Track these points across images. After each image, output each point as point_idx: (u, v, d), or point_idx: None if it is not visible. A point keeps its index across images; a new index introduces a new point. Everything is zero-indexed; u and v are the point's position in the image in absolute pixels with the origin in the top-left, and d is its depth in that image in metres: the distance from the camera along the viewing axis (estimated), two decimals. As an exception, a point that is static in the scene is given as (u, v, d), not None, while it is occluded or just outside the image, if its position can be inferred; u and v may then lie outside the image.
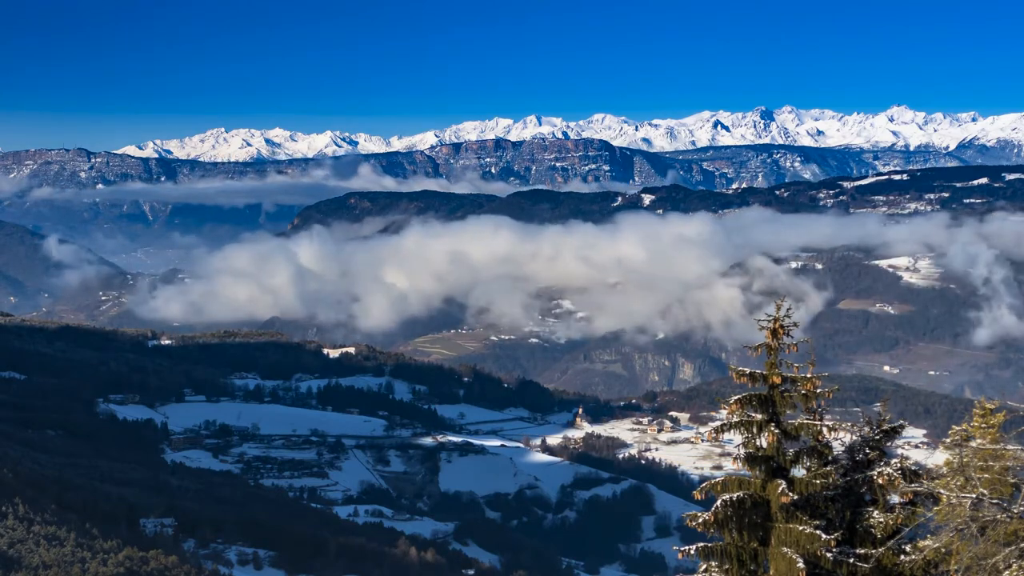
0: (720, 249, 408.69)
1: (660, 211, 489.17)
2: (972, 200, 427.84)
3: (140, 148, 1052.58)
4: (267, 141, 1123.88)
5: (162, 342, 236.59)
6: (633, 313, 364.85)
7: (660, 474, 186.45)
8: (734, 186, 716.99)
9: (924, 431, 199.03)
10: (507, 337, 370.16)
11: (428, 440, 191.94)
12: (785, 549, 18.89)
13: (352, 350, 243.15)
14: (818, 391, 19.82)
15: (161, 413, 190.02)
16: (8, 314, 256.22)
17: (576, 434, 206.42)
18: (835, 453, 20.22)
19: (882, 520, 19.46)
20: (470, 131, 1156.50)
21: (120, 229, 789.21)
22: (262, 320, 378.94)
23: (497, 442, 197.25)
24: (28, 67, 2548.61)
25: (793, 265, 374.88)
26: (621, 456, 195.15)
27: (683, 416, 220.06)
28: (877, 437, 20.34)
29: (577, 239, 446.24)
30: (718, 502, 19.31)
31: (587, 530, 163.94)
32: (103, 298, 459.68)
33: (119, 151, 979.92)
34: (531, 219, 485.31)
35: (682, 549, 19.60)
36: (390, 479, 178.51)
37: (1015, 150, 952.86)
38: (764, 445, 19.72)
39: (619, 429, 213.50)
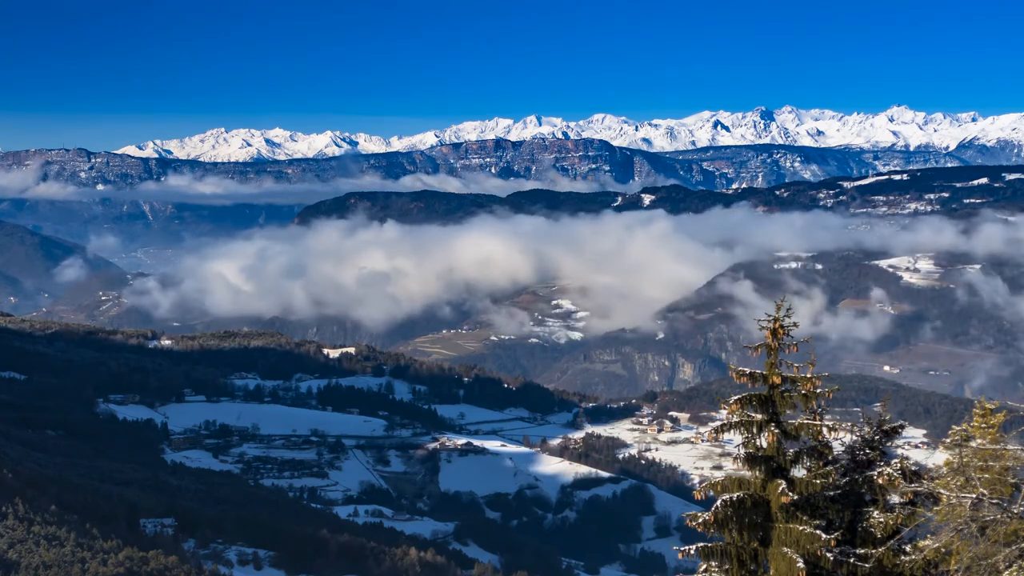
0: (720, 249, 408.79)
1: (660, 211, 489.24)
2: (972, 200, 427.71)
3: (140, 148, 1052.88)
4: (267, 141, 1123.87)
5: (162, 342, 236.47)
6: (633, 313, 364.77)
7: (660, 474, 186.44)
8: (734, 186, 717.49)
9: (924, 431, 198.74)
10: (507, 337, 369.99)
11: (428, 440, 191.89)
12: (785, 549, 18.89)
13: (352, 350, 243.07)
14: (818, 391, 19.83)
15: (161, 413, 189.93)
16: (8, 314, 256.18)
17: (576, 434, 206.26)
18: (835, 453, 20.22)
19: (882, 520, 19.46)
20: (470, 131, 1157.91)
21: (120, 229, 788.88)
22: (262, 320, 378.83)
23: (497, 442, 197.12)
24: (29, 67, 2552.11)
25: (793, 265, 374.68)
26: (621, 456, 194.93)
27: (683, 416, 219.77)
28: (877, 437, 20.35)
29: (577, 239, 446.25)
30: (718, 502, 19.31)
31: (587, 530, 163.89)
32: (103, 298, 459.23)
33: (119, 151, 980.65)
34: (531, 219, 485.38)
35: (682, 549, 19.61)
36: (390, 479, 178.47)
37: (1015, 150, 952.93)
38: (764, 445, 19.72)
39: (619, 429, 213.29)
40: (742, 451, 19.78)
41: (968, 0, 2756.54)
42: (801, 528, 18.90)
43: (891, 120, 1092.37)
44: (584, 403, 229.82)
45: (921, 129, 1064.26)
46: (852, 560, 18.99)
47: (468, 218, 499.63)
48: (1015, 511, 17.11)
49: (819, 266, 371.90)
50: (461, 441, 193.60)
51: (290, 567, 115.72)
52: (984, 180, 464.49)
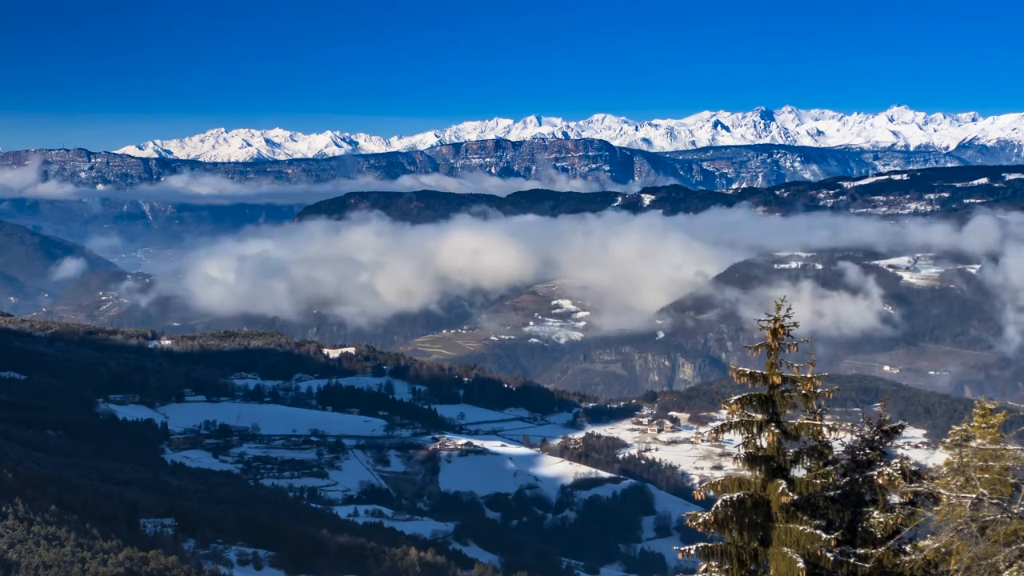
0: (720, 249, 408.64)
1: (660, 211, 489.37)
2: (972, 200, 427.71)
3: (140, 148, 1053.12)
4: (267, 141, 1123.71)
5: (162, 342, 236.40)
6: (633, 313, 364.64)
7: (660, 474, 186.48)
8: (734, 186, 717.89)
9: (924, 431, 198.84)
10: (507, 337, 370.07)
11: (428, 440, 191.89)
12: (785, 549, 18.90)
13: (352, 350, 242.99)
14: (818, 391, 19.83)
15: (161, 413, 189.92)
16: (8, 314, 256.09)
17: (576, 434, 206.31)
18: (835, 453, 20.22)
19: (882, 520, 19.46)
20: (470, 131, 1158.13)
21: (120, 229, 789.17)
22: (262, 320, 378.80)
23: (497, 442, 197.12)
24: (29, 67, 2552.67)
25: (793, 265, 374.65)
26: (621, 456, 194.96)
27: (683, 416, 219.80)
28: (877, 437, 20.35)
29: (577, 239, 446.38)
30: (718, 502, 19.31)
31: (587, 530, 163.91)
32: (103, 298, 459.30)
33: (119, 151, 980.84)
34: (531, 219, 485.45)
35: (682, 549, 19.61)
36: (390, 479, 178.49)
37: (1015, 150, 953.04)
38: (764, 445, 19.72)
39: (619, 429, 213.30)
40: (742, 451, 19.78)
41: (968, 0, 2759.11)
42: (801, 528, 18.90)
43: (891, 120, 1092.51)
44: (584, 403, 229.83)
45: (921, 129, 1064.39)
46: (852, 560, 19.00)
47: (468, 218, 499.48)
48: (1015, 511, 17.11)
49: (819, 266, 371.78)
50: (461, 441, 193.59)
51: (290, 567, 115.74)
52: (984, 180, 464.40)
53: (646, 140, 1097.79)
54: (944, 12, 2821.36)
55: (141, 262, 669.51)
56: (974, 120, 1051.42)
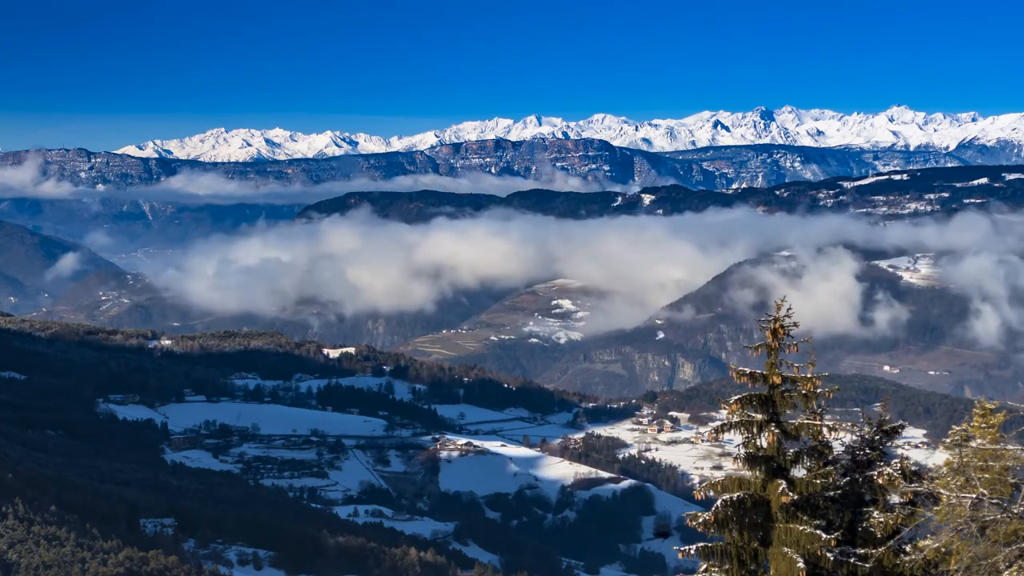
0: (720, 249, 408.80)
1: (660, 211, 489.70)
2: (972, 200, 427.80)
3: (140, 148, 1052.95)
4: (267, 141, 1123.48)
5: (162, 342, 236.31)
6: (633, 313, 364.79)
7: (660, 474, 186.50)
8: (734, 186, 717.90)
9: (924, 431, 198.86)
10: (507, 337, 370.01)
11: (428, 440, 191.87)
12: (785, 549, 18.90)
13: (352, 350, 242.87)
14: (818, 391, 19.83)
15: (161, 413, 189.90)
16: (8, 314, 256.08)
17: (576, 434, 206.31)
18: (835, 453, 20.23)
19: (882, 520, 19.47)
20: (470, 131, 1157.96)
21: (120, 229, 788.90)
22: (262, 320, 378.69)
23: (497, 442, 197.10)
24: (29, 67, 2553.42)
25: (793, 265, 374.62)
26: (621, 456, 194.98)
27: (683, 416, 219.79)
28: (877, 437, 20.35)
29: (577, 239, 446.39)
30: (718, 502, 19.31)
31: (587, 530, 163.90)
32: (103, 298, 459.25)
33: (119, 151, 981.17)
34: (531, 219, 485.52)
35: (682, 549, 19.61)
36: (390, 479, 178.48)
37: (1015, 150, 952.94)
38: (764, 445, 19.73)
39: (619, 429, 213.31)
40: (742, 451, 19.79)
41: (968, 0, 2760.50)
42: (801, 528, 18.90)
43: (891, 120, 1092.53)
44: (584, 403, 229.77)
45: (921, 129, 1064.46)
46: (852, 560, 19.00)
47: (468, 218, 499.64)
48: (1015, 511, 17.11)
49: (819, 266, 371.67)
50: (461, 441, 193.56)
51: (290, 567, 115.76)
52: (984, 180, 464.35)
53: (646, 140, 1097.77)
54: (944, 12, 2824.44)
55: (141, 262, 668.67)
56: (974, 120, 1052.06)
